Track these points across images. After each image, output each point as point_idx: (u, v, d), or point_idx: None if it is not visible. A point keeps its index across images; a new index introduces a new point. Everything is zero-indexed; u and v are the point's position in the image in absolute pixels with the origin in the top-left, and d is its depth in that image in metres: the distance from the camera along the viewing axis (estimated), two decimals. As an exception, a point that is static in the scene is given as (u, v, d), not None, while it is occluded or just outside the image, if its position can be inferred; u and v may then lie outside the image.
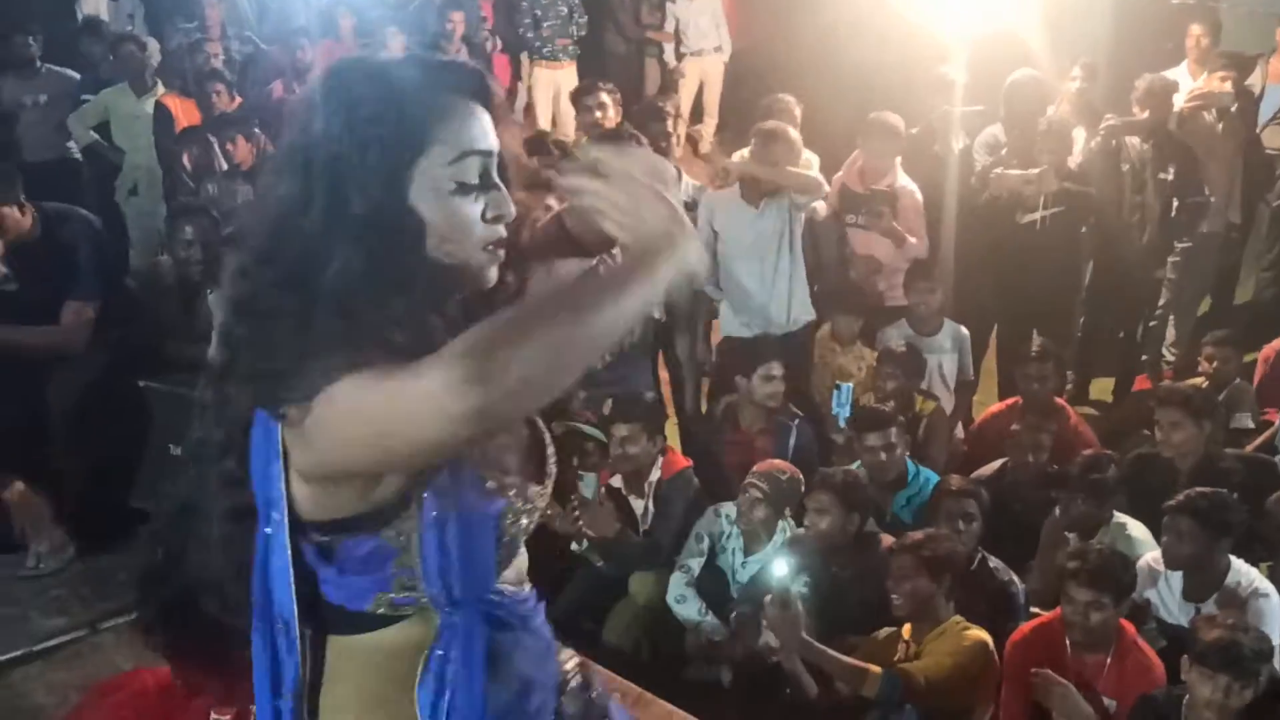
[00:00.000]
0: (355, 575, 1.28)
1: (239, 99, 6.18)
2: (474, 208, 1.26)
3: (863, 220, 5.07)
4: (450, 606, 1.29)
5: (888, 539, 3.72)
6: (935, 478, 4.11)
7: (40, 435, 3.82)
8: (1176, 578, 3.48)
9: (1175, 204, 5.48)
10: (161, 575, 2.32)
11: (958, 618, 3.32)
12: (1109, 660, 3.15)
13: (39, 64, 6.66)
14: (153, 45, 7.05)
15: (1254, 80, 6.30)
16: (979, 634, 3.28)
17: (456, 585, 1.27)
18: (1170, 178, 5.39)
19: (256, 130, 5.55)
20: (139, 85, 6.43)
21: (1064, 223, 5.15)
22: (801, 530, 3.79)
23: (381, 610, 1.31)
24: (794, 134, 4.80)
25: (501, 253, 1.30)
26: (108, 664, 3.32)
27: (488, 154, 1.27)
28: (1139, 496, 3.84)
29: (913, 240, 5.03)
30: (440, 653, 1.30)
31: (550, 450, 1.45)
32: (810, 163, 4.98)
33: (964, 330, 5.05)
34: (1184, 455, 4.04)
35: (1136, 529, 3.71)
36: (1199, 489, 3.47)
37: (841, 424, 4.41)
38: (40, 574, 3.74)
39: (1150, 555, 3.58)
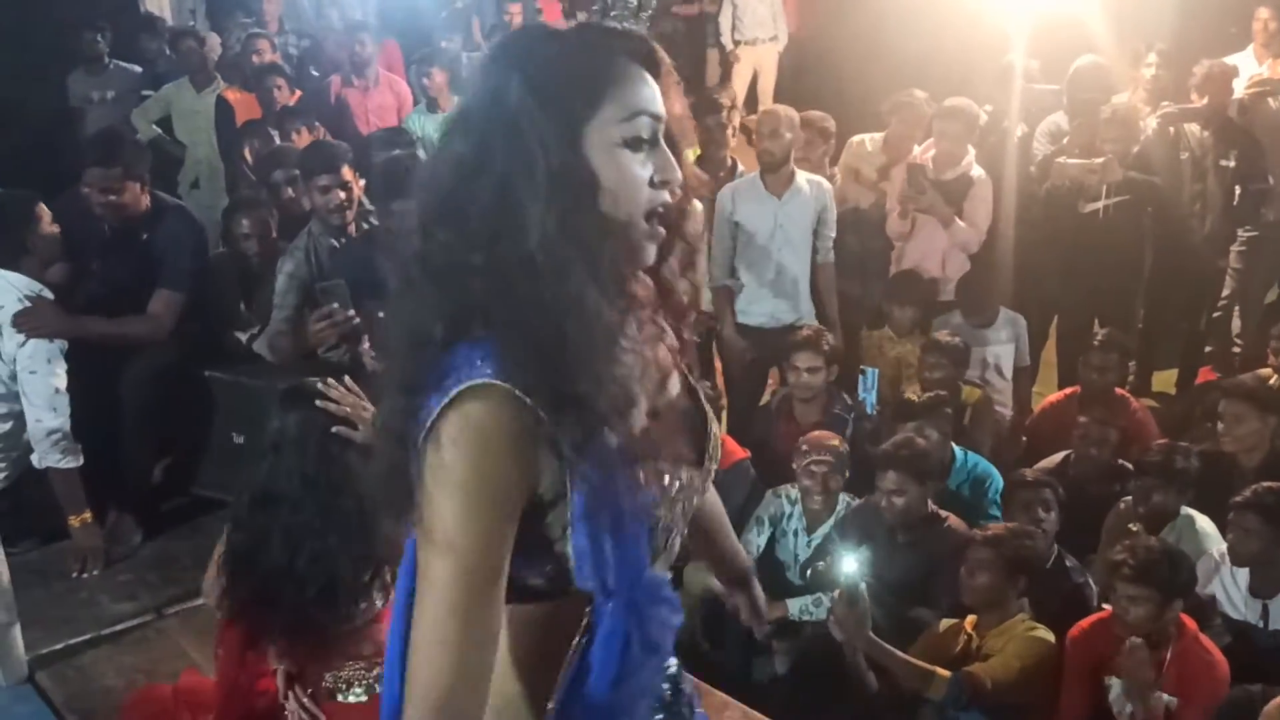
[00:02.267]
0: (517, 554, 1.26)
1: (299, 93, 6.24)
2: (642, 168, 1.28)
3: (925, 210, 5.01)
4: (604, 594, 1.28)
5: (954, 519, 3.70)
6: (983, 463, 4.08)
7: (112, 422, 3.90)
8: (1243, 573, 3.41)
9: (1238, 192, 5.37)
10: (247, 560, 2.39)
11: (1024, 615, 3.28)
12: (1168, 657, 3.07)
13: (107, 60, 6.79)
14: (213, 40, 7.16)
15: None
16: (1045, 635, 3.23)
17: (609, 576, 1.27)
18: (1232, 165, 5.30)
19: (316, 123, 5.60)
20: (199, 80, 6.53)
21: (1127, 212, 5.05)
22: (859, 501, 3.78)
23: (541, 585, 1.30)
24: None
25: (662, 231, 1.31)
26: (173, 648, 3.40)
27: (657, 117, 1.29)
28: (1202, 492, 3.75)
29: (974, 231, 4.98)
30: (587, 637, 1.31)
31: (713, 430, 1.45)
32: None
33: (1021, 319, 4.98)
34: (1249, 450, 3.96)
35: (1204, 523, 3.65)
36: (1266, 484, 3.40)
37: (869, 410, 4.39)
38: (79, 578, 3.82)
39: (1217, 550, 3.52)
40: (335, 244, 3.82)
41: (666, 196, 1.30)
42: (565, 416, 1.20)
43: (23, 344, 3.61)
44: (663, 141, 1.30)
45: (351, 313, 3.50)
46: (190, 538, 4.01)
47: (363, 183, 3.94)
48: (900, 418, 4.06)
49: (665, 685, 1.53)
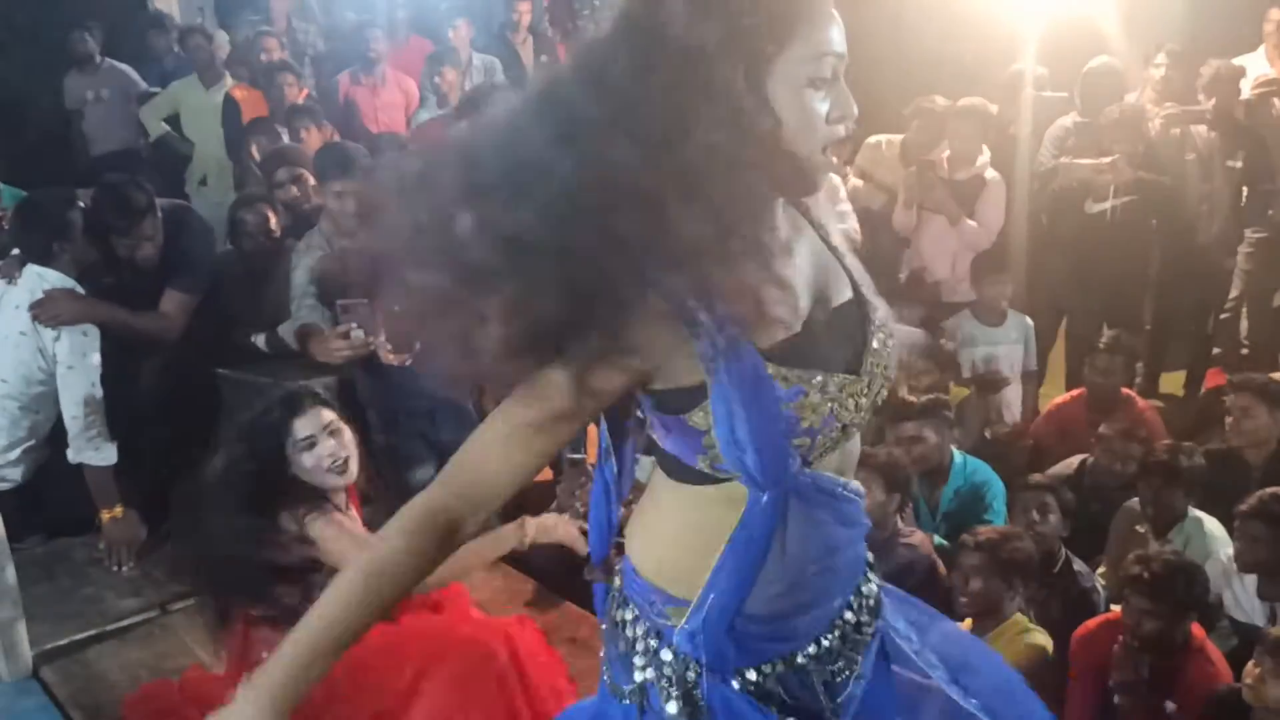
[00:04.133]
0: (678, 438, 1.37)
1: (307, 90, 6.24)
2: (821, 105, 1.28)
3: (935, 208, 5.00)
4: (755, 486, 1.34)
5: (920, 537, 3.62)
6: (984, 469, 4.05)
7: (129, 421, 3.92)
8: (1250, 576, 3.39)
9: (1245, 192, 5.35)
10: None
11: (1018, 617, 3.25)
12: (1175, 666, 3.05)
13: (99, 59, 6.80)
14: (221, 37, 7.17)
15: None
16: (1041, 639, 3.21)
17: (754, 468, 1.32)
18: (1239, 166, 5.28)
19: (325, 121, 5.60)
20: (208, 77, 6.53)
21: (1135, 212, 5.07)
22: None
23: (706, 470, 1.38)
24: None
25: (834, 160, 1.35)
26: (178, 644, 3.39)
27: (840, 56, 1.29)
28: (1210, 494, 3.74)
29: (985, 231, 4.97)
30: (744, 525, 1.37)
31: (875, 336, 1.45)
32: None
33: (1029, 321, 4.98)
34: (1256, 446, 3.94)
35: (1212, 525, 3.63)
36: (1271, 490, 3.37)
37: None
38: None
39: (1224, 553, 3.50)
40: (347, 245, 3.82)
41: (842, 131, 1.31)
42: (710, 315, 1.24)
43: (57, 337, 3.64)
44: (843, 78, 1.31)
45: (369, 337, 3.52)
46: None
47: None
48: (898, 418, 4.04)
49: (849, 614, 1.54)
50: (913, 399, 4.15)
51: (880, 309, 1.49)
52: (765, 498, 1.35)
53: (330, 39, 7.35)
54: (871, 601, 1.59)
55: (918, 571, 3.45)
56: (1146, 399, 4.93)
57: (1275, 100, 5.50)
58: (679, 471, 1.42)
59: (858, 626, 1.56)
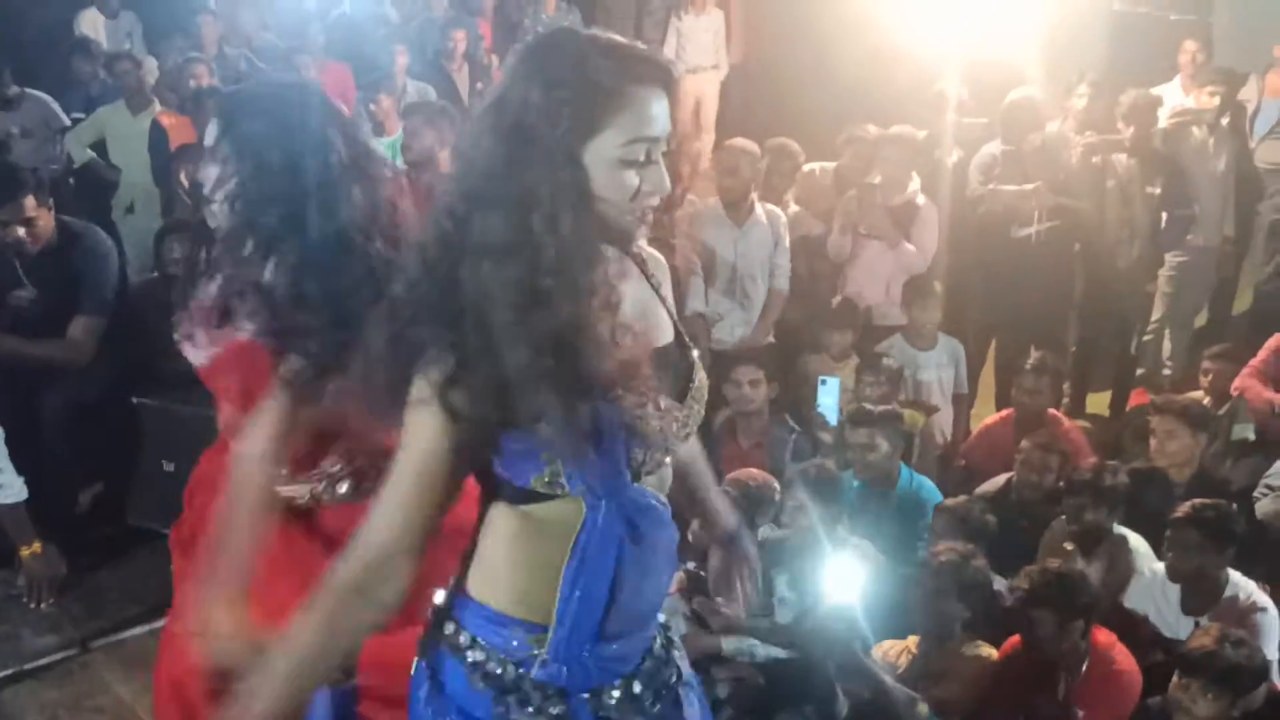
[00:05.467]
0: (514, 459, 1.50)
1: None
2: (633, 180, 1.47)
3: (873, 232, 5.07)
4: (593, 497, 1.49)
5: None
6: (928, 486, 4.11)
7: (33, 450, 3.81)
8: (1174, 590, 3.46)
9: (1164, 218, 5.50)
10: None
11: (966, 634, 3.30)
12: (1081, 674, 3.11)
13: (16, 91, 6.64)
14: (150, 63, 7.06)
15: (1249, 95, 6.33)
16: (984, 651, 3.27)
17: (593, 479, 1.47)
18: (1157, 192, 5.41)
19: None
20: (135, 103, 6.41)
21: (1058, 237, 5.19)
22: (778, 533, 3.75)
23: (539, 488, 1.50)
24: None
25: (650, 218, 1.53)
26: (98, 683, 3.31)
27: (655, 140, 1.48)
28: (1134, 511, 3.80)
29: (920, 255, 5.05)
30: (584, 535, 1.50)
31: (697, 374, 1.64)
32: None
33: (959, 345, 5.06)
34: (1179, 466, 4.03)
35: (1137, 541, 3.69)
36: (1203, 500, 3.45)
37: (830, 421, 4.40)
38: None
39: (1149, 568, 3.57)
40: None
41: (654, 201, 1.50)
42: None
43: None
44: (658, 155, 1.49)
45: None
46: (118, 568, 3.92)
47: None
48: (855, 423, 4.10)
49: (656, 637, 1.70)
50: (869, 407, 4.21)
51: (696, 352, 1.69)
52: (603, 509, 1.49)
53: (258, 65, 7.27)
54: (670, 632, 1.75)
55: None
56: (1073, 419, 5.02)
57: (1192, 129, 5.67)
58: (510, 494, 1.54)
59: (666, 651, 1.72)
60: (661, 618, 1.72)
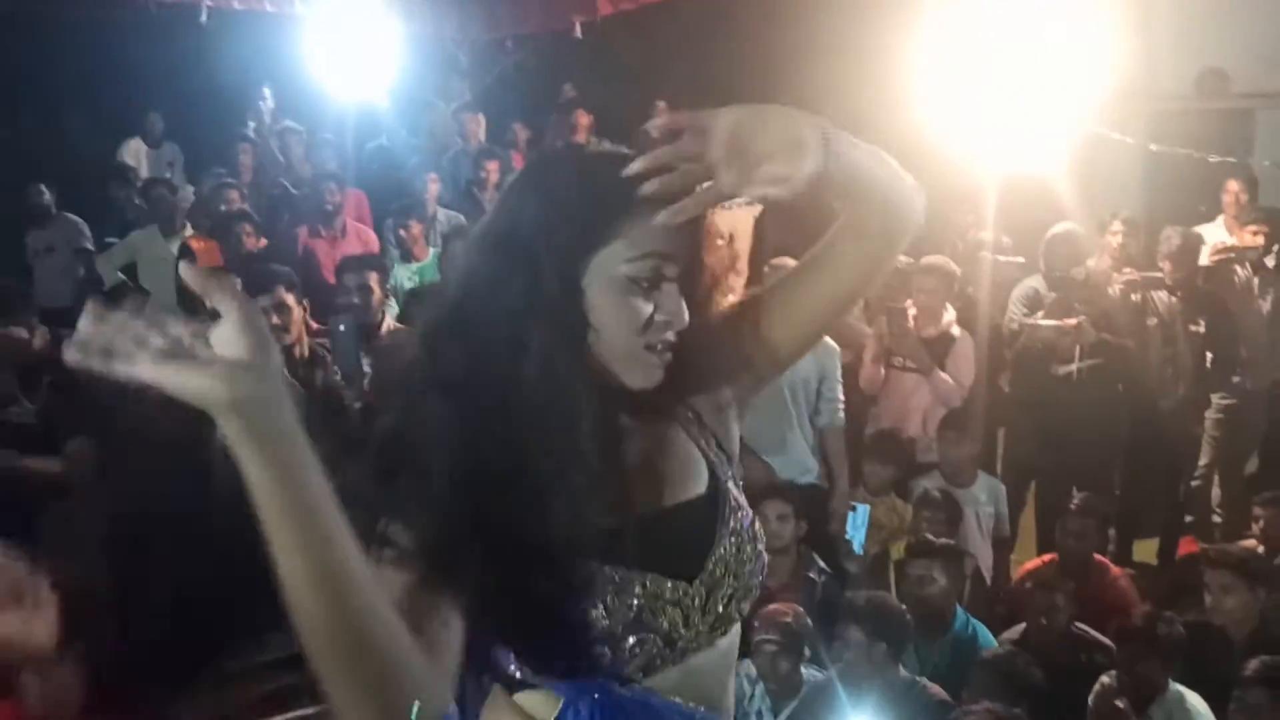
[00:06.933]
0: (495, 646, 1.28)
1: (264, 240, 6.20)
2: (643, 307, 1.25)
3: (907, 362, 4.93)
4: (562, 694, 1.26)
5: (934, 689, 3.44)
6: (984, 629, 3.88)
7: None
8: (1240, 757, 3.17)
9: (1209, 357, 5.33)
10: None
11: None
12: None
13: (54, 212, 6.81)
14: (186, 191, 7.19)
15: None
16: None
17: (554, 676, 1.25)
18: (1202, 330, 5.27)
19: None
20: (168, 228, 6.51)
21: (1100, 376, 5.01)
22: (823, 676, 3.54)
23: (519, 676, 1.28)
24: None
25: (669, 355, 1.27)
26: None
27: (668, 256, 1.25)
28: (1192, 669, 3.54)
29: (958, 388, 4.89)
30: None
31: (718, 545, 1.36)
32: None
33: (1000, 485, 4.87)
34: (1238, 623, 3.77)
35: (1194, 700, 3.42)
36: (1272, 657, 3.21)
37: (857, 550, 4.19)
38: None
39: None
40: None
41: (670, 336, 1.26)
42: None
43: None
44: (673, 282, 1.26)
45: None
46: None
47: (306, 303, 4.15)
48: (914, 554, 3.92)
49: None
50: (930, 537, 4.03)
51: (741, 508, 1.40)
52: (579, 709, 1.23)
53: (290, 191, 7.38)
54: None
55: None
56: (1119, 566, 4.77)
57: (1235, 268, 5.55)
58: (505, 680, 1.29)
59: None
60: None
